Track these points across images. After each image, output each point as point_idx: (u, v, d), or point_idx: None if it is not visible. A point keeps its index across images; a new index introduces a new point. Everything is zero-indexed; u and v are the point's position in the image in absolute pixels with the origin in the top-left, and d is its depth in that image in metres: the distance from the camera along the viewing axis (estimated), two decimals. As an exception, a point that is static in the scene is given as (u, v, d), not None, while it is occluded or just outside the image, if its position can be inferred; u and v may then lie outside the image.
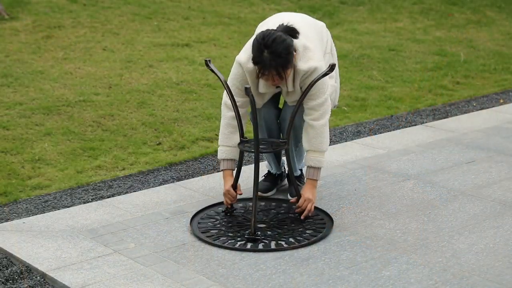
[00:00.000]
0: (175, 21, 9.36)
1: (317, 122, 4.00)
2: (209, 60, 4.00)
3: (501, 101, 6.67)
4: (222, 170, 4.15)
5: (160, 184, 4.69)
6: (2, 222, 4.12)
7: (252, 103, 3.83)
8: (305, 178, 4.12)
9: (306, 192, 4.06)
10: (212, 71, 4.00)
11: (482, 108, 6.43)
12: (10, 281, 3.52)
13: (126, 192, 4.55)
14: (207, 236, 3.90)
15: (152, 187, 4.64)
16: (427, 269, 3.56)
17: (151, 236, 3.91)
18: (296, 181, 4.21)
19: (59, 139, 5.43)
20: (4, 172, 4.83)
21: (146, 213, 4.19)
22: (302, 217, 4.05)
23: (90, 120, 5.83)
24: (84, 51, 7.81)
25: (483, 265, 3.60)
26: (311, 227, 4.00)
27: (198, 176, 4.82)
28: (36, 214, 4.23)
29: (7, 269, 3.63)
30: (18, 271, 3.59)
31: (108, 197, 4.46)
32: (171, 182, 4.71)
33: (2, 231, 3.97)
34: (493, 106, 6.47)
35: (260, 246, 3.80)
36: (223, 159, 4.13)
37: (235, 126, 4.07)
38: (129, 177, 4.81)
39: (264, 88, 4.02)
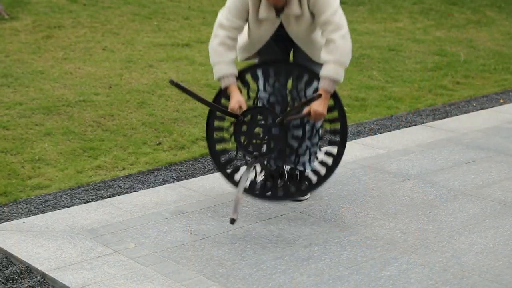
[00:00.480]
0: (175, 21, 9.36)
1: (335, 34, 3.84)
2: (172, 81, 3.77)
3: (501, 101, 6.67)
4: (224, 87, 3.95)
5: (160, 184, 4.69)
6: (2, 222, 4.12)
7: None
8: (319, 89, 3.90)
9: (317, 104, 3.86)
10: (180, 87, 3.81)
11: (482, 108, 6.43)
12: (10, 281, 3.53)
13: (126, 192, 4.55)
14: (225, 162, 4.07)
15: (152, 187, 4.64)
16: (427, 269, 3.57)
17: (151, 236, 3.91)
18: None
19: (59, 139, 5.43)
20: (4, 172, 4.84)
21: (146, 213, 4.20)
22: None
23: (90, 120, 5.84)
24: (84, 51, 7.82)
25: (483, 265, 3.61)
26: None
27: (198, 176, 4.82)
28: (36, 214, 4.23)
29: (7, 269, 3.63)
30: (18, 271, 3.59)
31: (108, 197, 4.47)
32: (171, 182, 4.71)
33: (2, 231, 3.97)
34: (493, 106, 6.48)
35: (280, 189, 3.93)
36: (223, 76, 3.93)
37: (229, 45, 3.93)
38: (129, 177, 4.82)
39: (265, 13, 3.90)
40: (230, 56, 3.95)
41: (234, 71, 3.96)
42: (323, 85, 3.87)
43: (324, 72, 3.86)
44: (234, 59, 3.99)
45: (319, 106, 3.88)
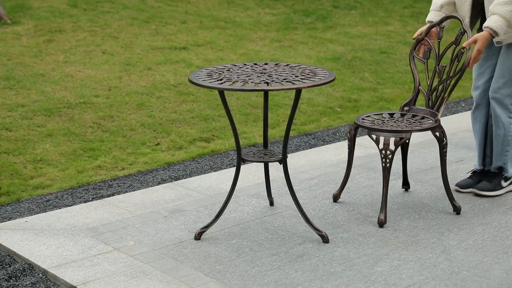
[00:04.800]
0: (172, 25, 9.41)
1: None
2: None
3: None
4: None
5: (159, 183, 4.72)
6: (5, 221, 4.16)
7: None
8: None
9: (479, 34, 4.14)
10: None
11: (470, 109, 6.48)
12: (13, 278, 3.57)
13: (126, 192, 4.58)
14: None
15: (151, 186, 4.67)
16: (418, 264, 3.60)
17: (150, 234, 3.94)
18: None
19: (60, 140, 5.47)
20: (7, 172, 4.88)
21: (145, 212, 4.23)
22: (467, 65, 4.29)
23: (90, 121, 5.88)
24: (84, 55, 7.86)
25: (472, 260, 3.65)
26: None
27: (195, 175, 4.86)
28: (38, 213, 4.26)
29: (10, 266, 3.68)
30: (21, 269, 3.64)
31: (108, 196, 4.50)
32: (169, 182, 4.74)
33: (5, 229, 4.01)
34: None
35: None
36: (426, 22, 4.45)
37: None
38: (128, 177, 4.85)
39: None
40: (436, 3, 4.38)
41: (432, 18, 4.39)
42: (485, 30, 4.17)
43: (488, 23, 4.13)
44: (440, 4, 4.34)
45: (479, 35, 4.20)
